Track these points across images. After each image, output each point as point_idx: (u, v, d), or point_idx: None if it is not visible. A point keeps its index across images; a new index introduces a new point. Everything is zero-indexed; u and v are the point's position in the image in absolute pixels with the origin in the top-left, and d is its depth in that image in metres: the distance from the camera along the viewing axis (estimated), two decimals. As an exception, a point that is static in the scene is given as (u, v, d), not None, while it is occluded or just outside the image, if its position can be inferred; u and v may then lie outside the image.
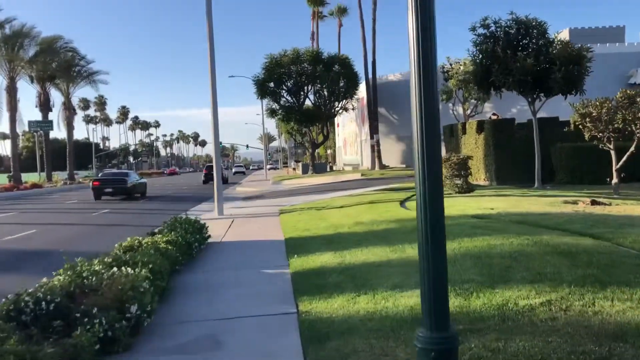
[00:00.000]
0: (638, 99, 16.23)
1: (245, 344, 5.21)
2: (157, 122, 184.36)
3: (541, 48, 19.74)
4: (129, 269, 6.28)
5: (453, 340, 2.85)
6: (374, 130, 52.66)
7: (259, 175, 67.66)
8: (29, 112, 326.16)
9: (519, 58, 19.31)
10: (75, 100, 70.18)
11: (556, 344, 4.30)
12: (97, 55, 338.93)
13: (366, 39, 53.03)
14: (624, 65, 45.33)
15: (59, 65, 56.52)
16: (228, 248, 11.12)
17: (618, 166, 17.14)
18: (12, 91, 50.83)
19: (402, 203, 17.04)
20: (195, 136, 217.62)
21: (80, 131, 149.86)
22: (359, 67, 54.37)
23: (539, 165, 21.14)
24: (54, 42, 55.51)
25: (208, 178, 43.74)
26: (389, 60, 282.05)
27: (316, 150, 64.81)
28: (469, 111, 48.01)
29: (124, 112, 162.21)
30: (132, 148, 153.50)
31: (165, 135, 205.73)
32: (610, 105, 16.72)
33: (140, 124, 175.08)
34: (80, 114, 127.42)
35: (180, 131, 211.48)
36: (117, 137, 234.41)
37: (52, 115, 59.60)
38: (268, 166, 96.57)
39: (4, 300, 5.19)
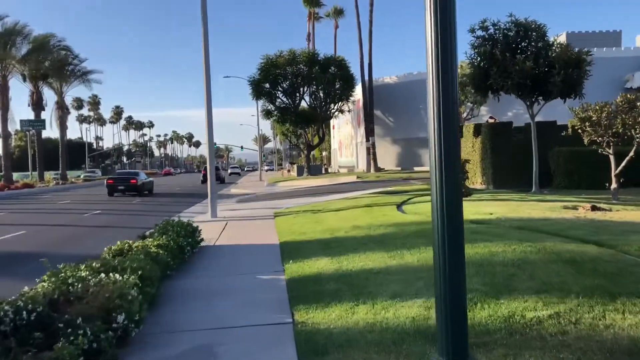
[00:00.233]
0: (638, 104, 16.05)
1: (238, 356, 4.94)
2: (151, 122, 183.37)
3: (540, 51, 19.54)
4: (117, 275, 6.01)
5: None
6: (369, 133, 52.45)
7: (253, 177, 67.41)
8: (21, 111, 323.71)
9: (518, 61, 19.11)
10: (68, 100, 69.84)
11: (569, 361, 4.05)
12: (91, 54, 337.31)
13: (362, 41, 52.87)
14: (620, 69, 45.32)
15: (52, 63, 56.01)
16: (221, 252, 10.84)
17: (617, 171, 16.95)
18: (4, 89, 50.33)
19: (399, 207, 16.80)
20: (190, 137, 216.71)
21: (74, 131, 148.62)
22: (355, 69, 54.23)
23: (537, 170, 20.96)
24: (46, 40, 54.95)
25: (207, 178, 43.88)
26: (385, 62, 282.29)
27: (311, 152, 64.63)
28: (465, 114, 47.90)
29: (117, 112, 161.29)
30: (125, 148, 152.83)
31: (159, 136, 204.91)
32: (610, 109, 16.53)
33: (134, 124, 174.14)
34: (73, 114, 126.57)
35: (174, 132, 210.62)
36: (111, 137, 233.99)
37: (45, 115, 59.11)
38: (265, 167, 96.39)
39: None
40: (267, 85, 51.66)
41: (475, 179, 25.24)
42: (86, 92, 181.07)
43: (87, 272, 6.16)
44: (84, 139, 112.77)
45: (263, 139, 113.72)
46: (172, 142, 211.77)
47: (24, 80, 55.59)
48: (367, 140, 52.71)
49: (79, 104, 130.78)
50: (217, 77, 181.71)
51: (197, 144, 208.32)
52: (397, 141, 55.42)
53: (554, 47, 19.96)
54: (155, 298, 6.73)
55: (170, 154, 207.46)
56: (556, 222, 11.41)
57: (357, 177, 41.46)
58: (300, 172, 57.87)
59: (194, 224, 10.96)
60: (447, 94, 2.39)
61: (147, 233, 9.97)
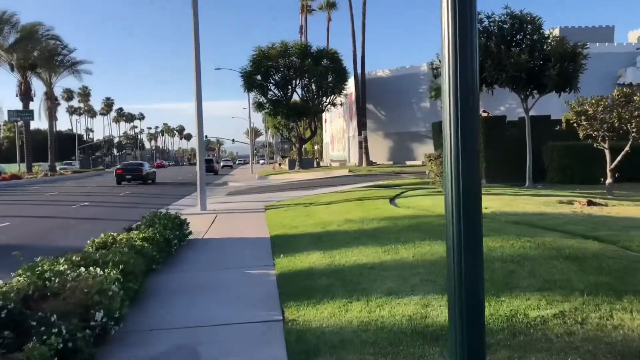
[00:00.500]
0: (635, 98, 15.86)
1: (225, 355, 4.65)
2: (141, 114, 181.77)
3: (535, 44, 19.28)
4: (98, 270, 5.69)
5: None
6: (362, 127, 52.11)
7: (244, 170, 67.07)
8: (9, 101, 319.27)
9: (513, 54, 18.84)
10: (58, 91, 69.10)
11: (578, 364, 3.79)
12: (81, 45, 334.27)
13: (355, 34, 52.43)
14: (612, 65, 45.21)
15: (40, 53, 55.14)
16: (210, 245, 10.53)
17: (612, 166, 16.78)
18: (-9, 79, 49.57)
19: (391, 200, 16.54)
20: (181, 129, 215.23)
21: (64, 122, 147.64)
22: (347, 63, 53.89)
23: (531, 164, 20.76)
24: (34, 30, 54.07)
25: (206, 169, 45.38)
26: (378, 56, 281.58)
27: (303, 146, 64.22)
28: (457, 108, 47.64)
29: (108, 104, 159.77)
30: (116, 140, 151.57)
31: (150, 128, 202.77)
32: (606, 103, 16.34)
33: (124, 116, 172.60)
34: (63, 105, 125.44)
35: (165, 124, 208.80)
36: (101, 128, 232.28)
37: (33, 106, 58.27)
38: (261, 161, 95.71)
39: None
40: (259, 77, 51.14)
41: (469, 173, 25.00)
42: (76, 83, 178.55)
43: (66, 266, 5.82)
44: (74, 131, 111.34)
45: (255, 133, 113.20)
46: (163, 135, 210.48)
47: (12, 70, 54.71)
48: (359, 134, 52.38)
49: (69, 95, 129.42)
50: (209, 70, 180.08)
51: (188, 137, 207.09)
52: (389, 135, 55.13)
53: (549, 40, 19.72)
54: (138, 293, 6.41)
55: (161, 146, 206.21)
56: (553, 216, 11.18)
57: (349, 171, 41.20)
58: (291, 166, 57.47)
59: (182, 217, 10.64)
60: (466, 78, 2.10)
61: (134, 225, 9.64)
